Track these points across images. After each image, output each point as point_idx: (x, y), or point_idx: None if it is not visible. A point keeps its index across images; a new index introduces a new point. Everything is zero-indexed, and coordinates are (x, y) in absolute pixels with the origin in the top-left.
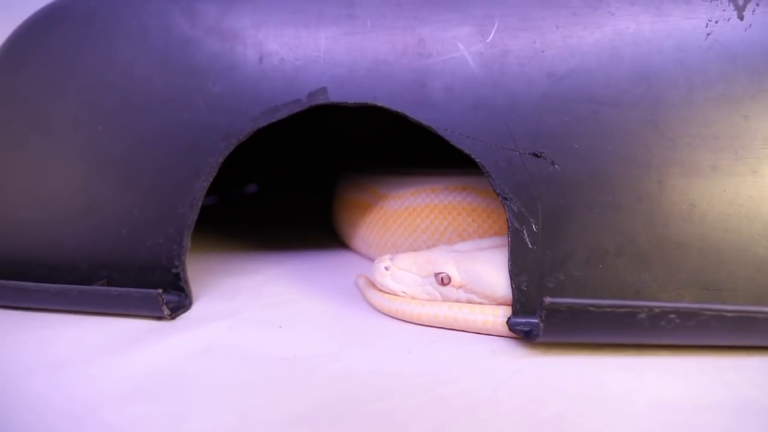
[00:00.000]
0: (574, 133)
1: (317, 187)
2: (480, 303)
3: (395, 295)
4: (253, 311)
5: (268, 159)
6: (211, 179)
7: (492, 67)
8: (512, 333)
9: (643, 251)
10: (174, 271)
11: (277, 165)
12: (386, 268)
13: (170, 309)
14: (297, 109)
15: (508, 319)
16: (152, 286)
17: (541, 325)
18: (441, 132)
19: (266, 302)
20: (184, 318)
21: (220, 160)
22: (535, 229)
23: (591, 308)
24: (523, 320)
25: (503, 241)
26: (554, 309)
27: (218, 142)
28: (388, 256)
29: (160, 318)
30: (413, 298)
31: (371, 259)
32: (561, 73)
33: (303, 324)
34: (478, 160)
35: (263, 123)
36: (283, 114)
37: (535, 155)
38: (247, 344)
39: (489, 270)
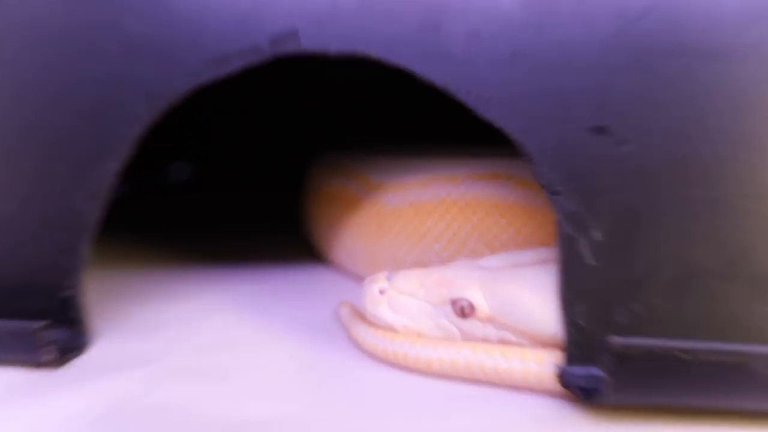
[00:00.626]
0: (655, 100)
1: (282, 175)
2: (517, 344)
3: (393, 331)
4: (184, 356)
5: (212, 133)
6: (125, 159)
7: (536, 3)
8: (565, 390)
9: (760, 272)
10: (63, 294)
11: (225, 142)
12: (381, 292)
13: (58, 351)
14: (255, 60)
15: (560, 369)
16: (29, 317)
17: (608, 378)
18: (462, 95)
19: (203, 342)
20: (80, 365)
21: (140, 131)
22: (598, 238)
23: (681, 354)
24: (580, 371)
25: (551, 254)
26: (627, 355)
27: (138, 106)
28: (383, 275)
29: (41, 365)
30: (420, 335)
31: (359, 279)
32: (636, 13)
33: (257, 375)
34: (516, 137)
35: (205, 79)
36: (234, 66)
37: (599, 130)
38: (173, 404)
39: (530, 296)
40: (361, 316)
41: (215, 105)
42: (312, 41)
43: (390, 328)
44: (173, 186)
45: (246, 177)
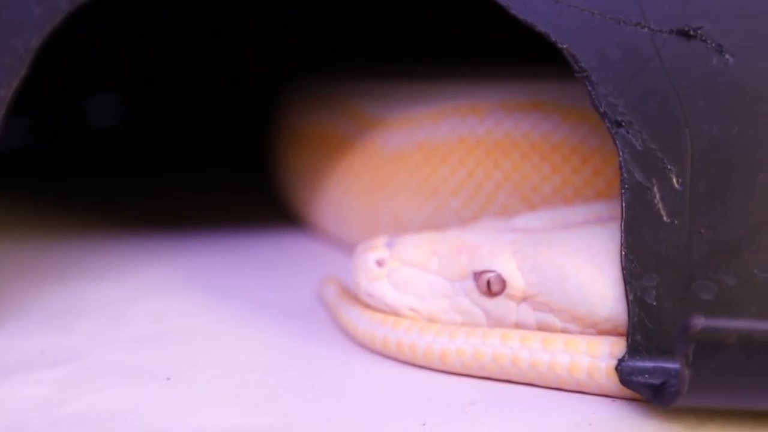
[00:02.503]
0: None
1: (241, 108)
2: (562, 330)
3: (396, 315)
4: (115, 351)
5: (147, 56)
6: (17, 84)
7: None
8: (627, 389)
9: None
10: None
11: (165, 67)
12: (379, 264)
13: None
14: None
15: (620, 362)
16: None
17: (686, 373)
18: None
19: (141, 333)
20: None
21: (36, 43)
22: (677, 185)
23: None
24: (648, 364)
25: (611, 209)
26: (712, 342)
27: (29, 5)
28: (382, 240)
29: None
30: (431, 320)
31: (349, 247)
32: None
33: (214, 375)
34: (565, 47)
35: None
36: None
37: (685, 35)
38: (100, 414)
39: (581, 266)
40: (351, 295)
41: (149, 18)
42: None
43: (391, 311)
44: (96, 128)
45: (194, 113)
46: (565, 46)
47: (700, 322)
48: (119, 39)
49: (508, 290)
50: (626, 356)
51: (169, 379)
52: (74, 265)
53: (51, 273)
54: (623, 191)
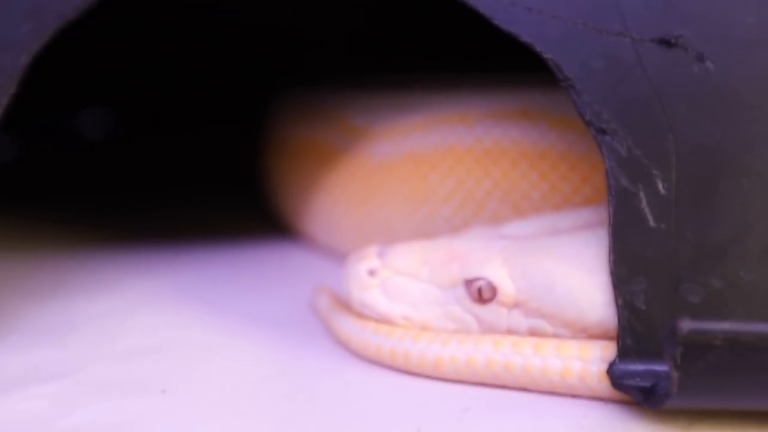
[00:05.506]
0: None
1: (232, 120)
2: (554, 335)
3: (389, 324)
4: (109, 365)
5: (137, 69)
6: (8, 102)
7: None
8: (618, 392)
9: None
10: None
11: (155, 80)
12: (371, 273)
13: None
14: None
15: (611, 365)
16: None
17: (675, 375)
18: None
19: (134, 346)
20: None
21: (26, 60)
22: (663, 191)
23: None
24: (638, 367)
25: (599, 215)
26: (700, 344)
27: (17, 23)
28: (373, 250)
29: None
30: (424, 328)
31: (341, 257)
32: None
33: (209, 386)
34: (549, 57)
35: None
36: None
37: (667, 43)
38: (96, 428)
39: (570, 272)
40: (344, 305)
41: (138, 30)
42: None
43: (385, 320)
44: (86, 142)
45: (185, 125)
46: (549, 56)
47: (686, 324)
48: (108, 51)
49: (499, 297)
50: (617, 360)
51: (164, 391)
52: (67, 280)
53: (43, 288)
54: (610, 197)
